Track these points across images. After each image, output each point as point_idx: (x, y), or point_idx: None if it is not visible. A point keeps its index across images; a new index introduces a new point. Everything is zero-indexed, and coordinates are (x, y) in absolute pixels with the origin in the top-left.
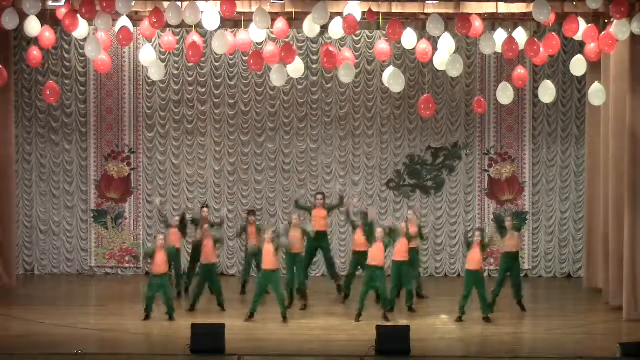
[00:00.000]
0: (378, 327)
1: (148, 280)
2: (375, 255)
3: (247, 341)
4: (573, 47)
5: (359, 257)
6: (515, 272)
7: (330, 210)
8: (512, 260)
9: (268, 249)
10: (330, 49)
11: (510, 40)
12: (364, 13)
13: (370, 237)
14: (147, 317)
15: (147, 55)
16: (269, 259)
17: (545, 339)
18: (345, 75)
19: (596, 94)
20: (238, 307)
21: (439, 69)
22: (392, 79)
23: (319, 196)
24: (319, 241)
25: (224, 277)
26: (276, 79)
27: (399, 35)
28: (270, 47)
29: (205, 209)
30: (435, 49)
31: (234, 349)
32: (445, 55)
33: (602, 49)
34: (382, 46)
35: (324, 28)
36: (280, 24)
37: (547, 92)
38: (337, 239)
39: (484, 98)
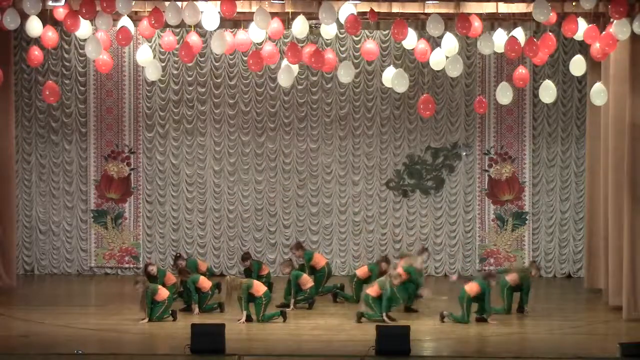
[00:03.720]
0: (378, 327)
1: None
2: None
3: (247, 341)
4: (573, 47)
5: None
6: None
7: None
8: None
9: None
10: (319, 49)
11: (513, 40)
12: (362, 13)
13: None
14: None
15: (144, 55)
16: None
17: (545, 339)
18: (345, 75)
19: (598, 94)
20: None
21: (435, 68)
22: (397, 80)
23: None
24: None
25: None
26: (284, 79)
27: (404, 35)
28: (268, 47)
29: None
30: (438, 49)
31: (234, 349)
32: (442, 55)
33: (602, 49)
34: (370, 46)
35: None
36: (276, 24)
37: (548, 92)
38: (336, 239)
39: (484, 98)
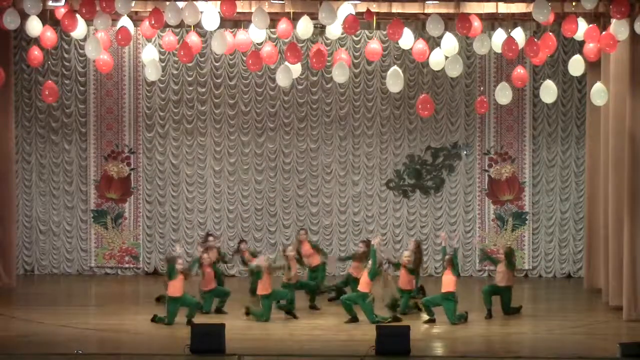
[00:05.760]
0: (378, 327)
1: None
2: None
3: (247, 341)
4: (573, 47)
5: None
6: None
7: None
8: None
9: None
10: (321, 48)
11: (510, 40)
12: (360, 13)
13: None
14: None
15: (150, 55)
16: (263, 285)
17: (545, 339)
18: (339, 75)
19: (598, 94)
20: (238, 307)
21: (435, 69)
22: (391, 79)
23: (302, 231)
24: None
25: (225, 278)
26: (282, 79)
27: (400, 35)
28: (267, 48)
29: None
30: (438, 49)
31: (234, 349)
32: (442, 55)
33: (603, 49)
34: (374, 46)
35: (322, 28)
36: (284, 24)
37: (549, 92)
38: (336, 239)
39: (485, 98)
